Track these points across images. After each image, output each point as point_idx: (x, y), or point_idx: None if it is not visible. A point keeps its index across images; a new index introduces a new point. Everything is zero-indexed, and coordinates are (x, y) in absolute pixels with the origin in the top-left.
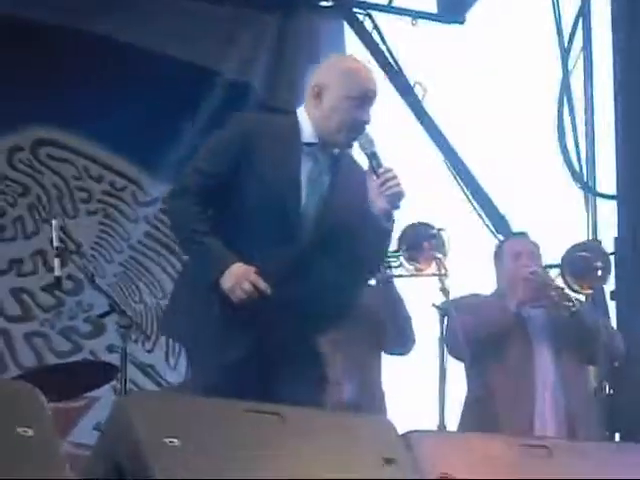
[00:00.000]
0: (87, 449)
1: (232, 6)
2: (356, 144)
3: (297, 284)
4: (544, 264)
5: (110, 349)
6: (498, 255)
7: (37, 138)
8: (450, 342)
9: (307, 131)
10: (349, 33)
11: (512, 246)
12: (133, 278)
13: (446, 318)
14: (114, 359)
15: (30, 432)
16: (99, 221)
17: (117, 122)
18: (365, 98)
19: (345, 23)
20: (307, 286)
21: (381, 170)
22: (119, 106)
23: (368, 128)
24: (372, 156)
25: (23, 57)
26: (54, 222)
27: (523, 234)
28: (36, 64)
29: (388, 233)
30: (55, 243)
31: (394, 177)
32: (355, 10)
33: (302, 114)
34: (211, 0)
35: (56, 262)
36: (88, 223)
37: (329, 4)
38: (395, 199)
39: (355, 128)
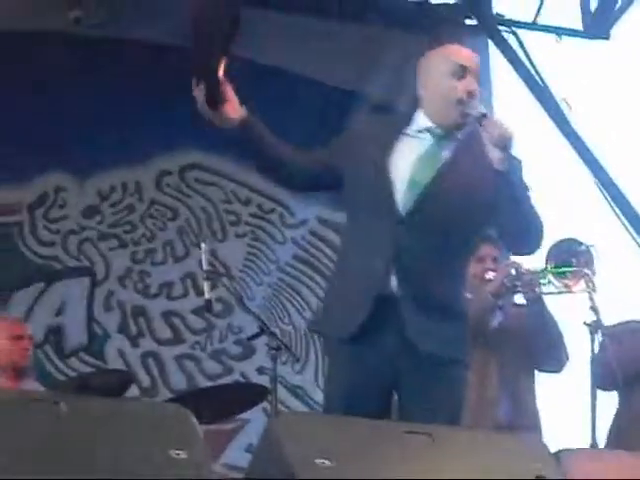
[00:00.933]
0: (239, 471)
1: (377, 27)
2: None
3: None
4: None
5: (260, 371)
6: None
7: (185, 163)
8: (602, 374)
9: (422, 121)
10: (494, 51)
11: None
12: (282, 300)
13: (597, 345)
14: (264, 381)
15: (183, 454)
16: (247, 244)
17: None
18: (460, 71)
19: (490, 41)
20: (406, 266)
21: (484, 120)
22: (268, 129)
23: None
24: (481, 118)
25: (169, 83)
26: (203, 245)
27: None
28: (181, 89)
29: (514, 190)
30: (205, 266)
31: (496, 123)
32: (500, 28)
33: (419, 112)
34: (357, 22)
35: (206, 285)
36: (237, 246)
37: (473, 22)
38: (502, 141)
39: (462, 100)
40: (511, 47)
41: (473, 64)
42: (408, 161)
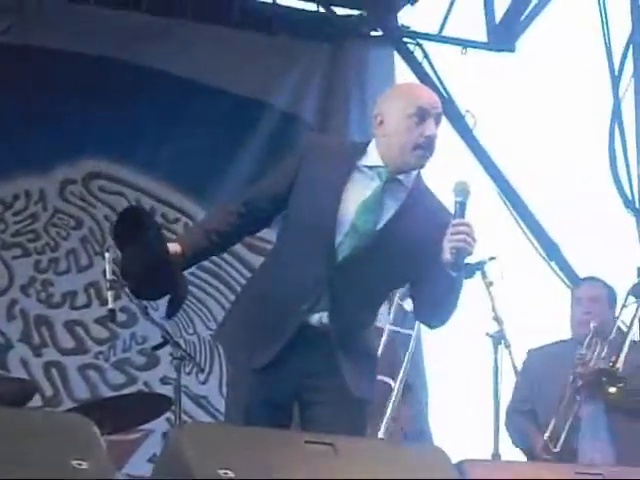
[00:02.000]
0: None
1: (283, 37)
2: (451, 188)
3: (327, 303)
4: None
5: (164, 381)
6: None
7: (89, 171)
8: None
9: (373, 156)
10: (399, 62)
11: (578, 291)
12: (187, 310)
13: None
14: (168, 391)
15: (85, 465)
16: None
17: (168, 154)
18: (424, 114)
19: (395, 52)
20: (335, 306)
21: (455, 221)
22: (170, 138)
23: (468, 181)
24: (458, 205)
25: (75, 90)
26: (107, 255)
27: (593, 279)
28: (88, 97)
29: (453, 281)
30: (108, 276)
31: (464, 232)
32: (405, 40)
33: (372, 147)
34: (263, 31)
35: (109, 295)
36: None
37: (379, 34)
38: (457, 252)
39: (420, 145)
40: (416, 59)
41: (434, 107)
42: (353, 203)
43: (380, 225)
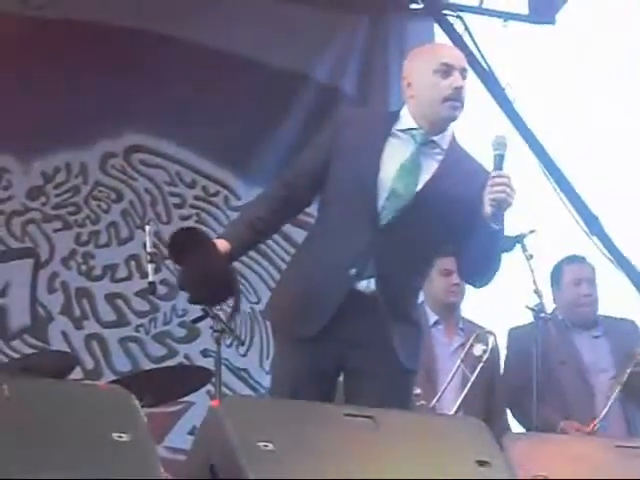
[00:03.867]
0: (182, 454)
1: (322, 9)
2: (490, 141)
3: (373, 270)
4: None
5: (204, 354)
6: (555, 277)
7: (130, 144)
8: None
9: (407, 120)
10: (440, 34)
11: (573, 271)
12: None
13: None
14: (209, 363)
15: (125, 437)
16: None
17: (209, 128)
18: (449, 68)
19: (436, 24)
20: (382, 272)
21: (494, 173)
22: (211, 111)
23: (506, 136)
24: (497, 158)
25: (116, 64)
26: (147, 227)
27: (582, 259)
28: (128, 71)
29: (494, 235)
30: (149, 249)
31: (503, 183)
32: (445, 12)
33: (404, 111)
34: (301, 3)
35: (150, 267)
36: None
37: (419, 6)
38: (497, 204)
39: (448, 97)
40: (457, 31)
41: (458, 61)
42: (391, 167)
43: (419, 187)
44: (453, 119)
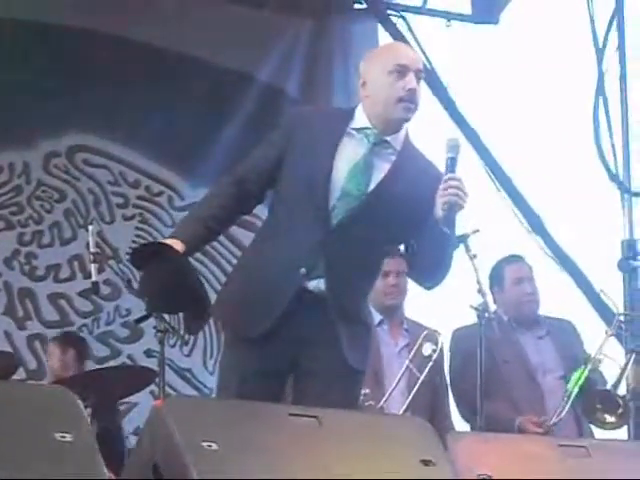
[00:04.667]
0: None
1: (267, 11)
2: (443, 144)
3: (323, 270)
4: None
5: (148, 354)
6: (496, 278)
7: (73, 144)
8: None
9: (361, 119)
10: (383, 35)
11: (514, 271)
12: None
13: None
14: (152, 364)
15: (68, 437)
16: (135, 226)
17: (152, 127)
18: (404, 69)
19: (379, 25)
20: (332, 272)
21: (448, 176)
22: (154, 111)
23: (458, 139)
24: (449, 161)
25: (58, 64)
26: (91, 227)
27: (521, 258)
28: (71, 71)
29: (445, 237)
30: (92, 248)
31: (456, 187)
32: (389, 12)
33: (359, 110)
34: (248, 5)
35: (93, 267)
36: (124, 228)
37: (363, 7)
38: (448, 207)
39: (402, 97)
40: (400, 31)
41: (414, 63)
42: (344, 167)
43: (371, 187)
44: (406, 120)
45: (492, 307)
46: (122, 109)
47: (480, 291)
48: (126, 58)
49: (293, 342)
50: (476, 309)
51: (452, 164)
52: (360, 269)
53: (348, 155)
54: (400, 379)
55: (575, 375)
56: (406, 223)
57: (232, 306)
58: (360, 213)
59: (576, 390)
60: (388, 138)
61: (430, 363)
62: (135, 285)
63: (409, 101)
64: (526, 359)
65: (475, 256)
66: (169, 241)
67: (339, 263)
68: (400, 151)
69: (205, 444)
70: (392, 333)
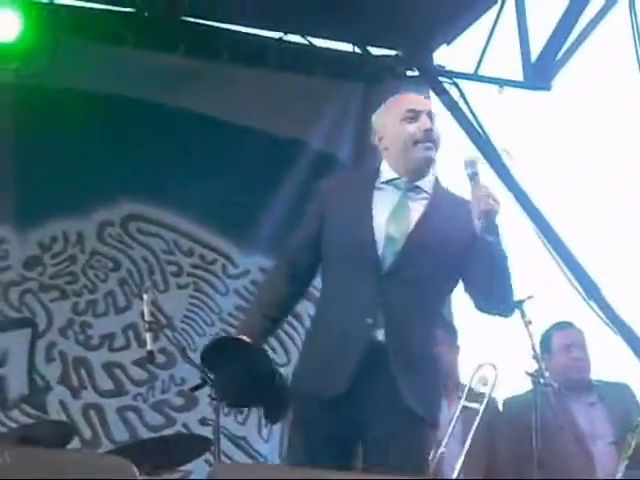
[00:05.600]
0: None
1: (319, 78)
2: (462, 165)
3: (383, 318)
4: None
5: (203, 422)
6: (544, 345)
7: (127, 213)
8: None
9: (387, 173)
10: (436, 102)
11: (562, 337)
12: None
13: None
14: (207, 432)
15: None
16: (190, 294)
17: (205, 195)
18: (414, 113)
19: (431, 92)
20: (391, 319)
21: (474, 189)
22: (206, 179)
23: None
24: (472, 176)
25: (109, 133)
26: (145, 296)
27: (570, 324)
28: (122, 139)
29: (492, 248)
30: (146, 317)
31: (486, 194)
32: (441, 79)
33: (384, 166)
34: (299, 72)
35: (148, 336)
36: (179, 296)
37: (415, 74)
38: (485, 215)
39: (419, 139)
40: (452, 98)
41: (423, 105)
42: (383, 215)
43: (411, 227)
44: (429, 160)
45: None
46: (174, 178)
47: (535, 357)
48: (179, 128)
49: (362, 408)
50: (531, 375)
51: (474, 178)
52: (418, 313)
53: (384, 204)
54: (455, 424)
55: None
56: (452, 256)
57: (306, 372)
58: (406, 254)
59: (626, 457)
60: (418, 183)
61: (485, 400)
62: (190, 354)
63: (427, 140)
64: (576, 426)
65: (530, 322)
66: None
67: (396, 309)
68: (432, 193)
69: None
70: (447, 396)
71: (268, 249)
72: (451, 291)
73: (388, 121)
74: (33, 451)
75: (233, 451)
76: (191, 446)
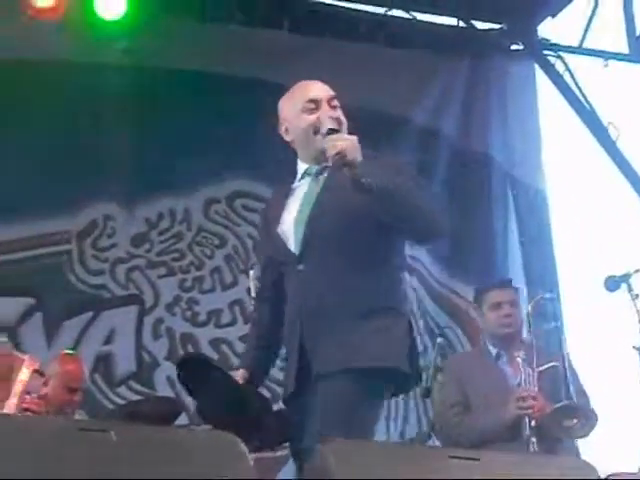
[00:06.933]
0: None
1: (424, 52)
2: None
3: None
4: None
5: None
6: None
7: (233, 190)
8: None
9: (300, 166)
10: (541, 75)
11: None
12: None
13: None
14: None
15: None
16: None
17: None
18: (315, 103)
19: (536, 65)
20: (307, 314)
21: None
22: None
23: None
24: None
25: (218, 111)
26: (251, 272)
27: (506, 282)
28: (228, 117)
29: (369, 188)
30: (253, 293)
31: (338, 139)
32: (546, 52)
33: (298, 160)
34: (403, 47)
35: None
36: None
37: (519, 47)
38: (339, 157)
39: (319, 128)
40: (557, 71)
41: (322, 93)
42: (291, 215)
43: (312, 211)
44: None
45: None
46: (277, 154)
47: None
48: (269, 102)
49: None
50: (639, 349)
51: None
52: (333, 298)
53: (295, 201)
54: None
55: None
56: (356, 223)
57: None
58: (308, 240)
59: None
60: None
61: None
62: None
63: (328, 131)
64: None
65: (637, 296)
66: (237, 374)
67: (310, 300)
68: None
69: None
70: (512, 365)
71: None
72: (376, 260)
73: (290, 112)
74: (140, 428)
75: None
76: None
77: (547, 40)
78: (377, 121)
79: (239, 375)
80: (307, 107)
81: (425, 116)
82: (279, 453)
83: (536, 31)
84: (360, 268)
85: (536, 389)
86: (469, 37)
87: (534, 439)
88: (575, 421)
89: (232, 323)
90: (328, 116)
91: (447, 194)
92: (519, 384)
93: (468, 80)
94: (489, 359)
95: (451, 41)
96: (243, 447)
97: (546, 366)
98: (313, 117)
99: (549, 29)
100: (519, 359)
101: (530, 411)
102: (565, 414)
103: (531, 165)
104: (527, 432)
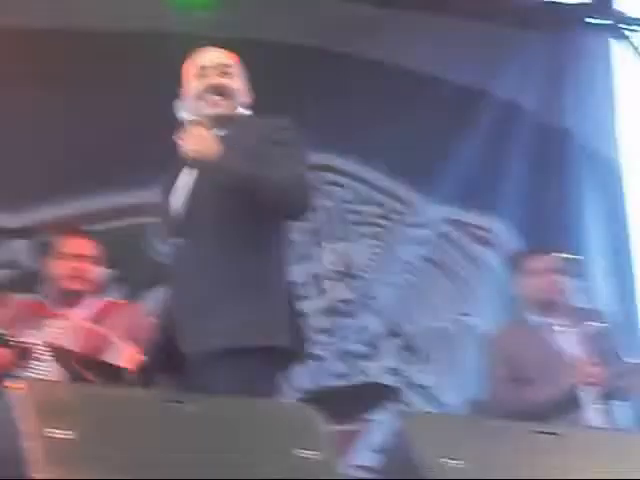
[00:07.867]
0: (365, 471)
1: (502, 25)
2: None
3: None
4: None
5: (386, 371)
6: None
7: (311, 163)
8: None
9: None
10: (617, 49)
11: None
12: (407, 300)
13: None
14: (390, 381)
15: (313, 455)
16: (371, 244)
17: (388, 145)
18: (204, 70)
19: (613, 39)
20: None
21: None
22: (389, 129)
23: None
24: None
25: (293, 84)
26: (327, 246)
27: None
28: (307, 90)
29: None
30: (328, 266)
31: (188, 135)
32: (621, 26)
33: None
34: (483, 20)
35: (330, 285)
36: (360, 246)
37: (595, 21)
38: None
39: (200, 94)
40: (634, 45)
41: (213, 60)
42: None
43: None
44: (215, 112)
45: None
46: (356, 127)
47: None
48: (352, 75)
49: None
50: None
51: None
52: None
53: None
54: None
55: None
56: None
57: None
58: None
59: None
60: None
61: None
62: (371, 303)
63: (212, 95)
64: None
65: None
66: None
67: (185, 277)
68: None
69: (447, 461)
70: (559, 333)
71: (451, 199)
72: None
73: (186, 79)
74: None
75: (416, 400)
76: (375, 395)
77: (623, 13)
78: (458, 93)
79: None
80: (198, 73)
81: (504, 90)
82: (356, 426)
83: (612, 4)
84: (230, 249)
85: (588, 356)
86: (549, 10)
87: (597, 406)
88: (635, 381)
89: (308, 296)
90: (209, 84)
91: (526, 167)
92: (570, 352)
93: (548, 54)
94: (534, 329)
95: (530, 14)
96: (322, 419)
97: (591, 330)
98: (199, 82)
99: (627, 3)
100: (564, 326)
101: (592, 379)
102: (622, 375)
103: (607, 138)
104: (591, 399)
